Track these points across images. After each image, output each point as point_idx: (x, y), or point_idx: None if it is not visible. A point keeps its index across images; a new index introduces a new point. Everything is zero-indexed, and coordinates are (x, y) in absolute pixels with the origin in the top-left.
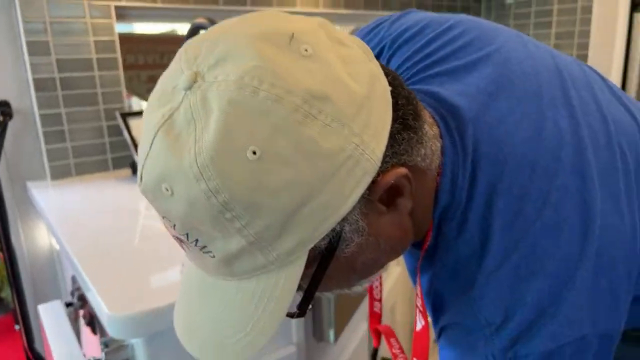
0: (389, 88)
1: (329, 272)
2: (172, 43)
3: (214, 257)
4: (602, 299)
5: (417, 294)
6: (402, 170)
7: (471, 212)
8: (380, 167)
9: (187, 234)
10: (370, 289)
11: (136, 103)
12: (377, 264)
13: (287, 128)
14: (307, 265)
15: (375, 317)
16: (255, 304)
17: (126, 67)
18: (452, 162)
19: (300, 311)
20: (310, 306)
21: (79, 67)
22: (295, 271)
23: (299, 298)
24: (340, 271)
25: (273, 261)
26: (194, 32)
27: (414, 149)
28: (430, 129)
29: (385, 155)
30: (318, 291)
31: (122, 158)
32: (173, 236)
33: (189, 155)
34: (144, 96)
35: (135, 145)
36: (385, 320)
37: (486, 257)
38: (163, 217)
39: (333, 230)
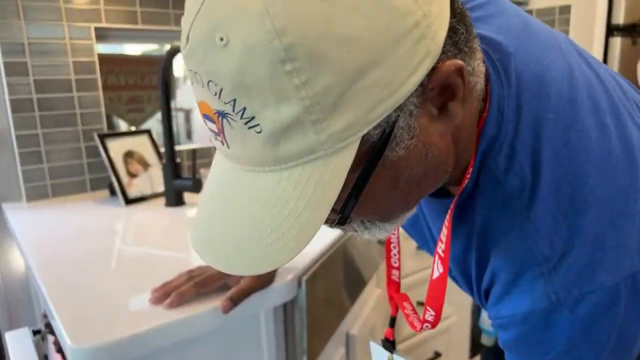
0: None
1: (373, 183)
2: (154, 64)
3: (260, 132)
4: None
5: (440, 239)
6: (460, 62)
7: (519, 143)
8: (440, 56)
9: (234, 101)
10: (388, 257)
11: (123, 125)
12: (418, 187)
13: None
14: (354, 167)
15: (393, 285)
16: (295, 201)
17: (107, 88)
18: (497, 91)
19: (341, 217)
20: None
21: (58, 88)
22: (344, 161)
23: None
24: (384, 182)
25: (324, 142)
26: (171, 55)
27: (469, 51)
28: (477, 46)
29: (445, 44)
30: (356, 212)
31: (100, 179)
32: (210, 120)
33: None
34: (125, 117)
35: (113, 167)
36: (366, 340)
37: (539, 188)
38: (208, 81)
39: (387, 120)
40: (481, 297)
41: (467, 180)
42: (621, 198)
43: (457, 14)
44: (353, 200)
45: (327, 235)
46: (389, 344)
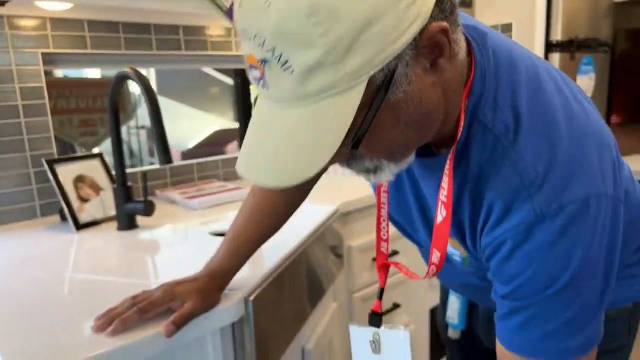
0: None
1: (378, 121)
2: (105, 87)
3: (293, 72)
4: (609, 166)
5: (442, 187)
6: (444, 24)
7: (500, 97)
8: (429, 20)
9: (274, 49)
10: (378, 230)
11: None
12: (415, 131)
13: None
14: (363, 105)
15: (381, 256)
16: (320, 126)
17: (57, 112)
18: (479, 60)
19: (355, 141)
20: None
21: (4, 114)
22: (356, 96)
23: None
24: (387, 121)
25: (340, 80)
26: (118, 81)
27: (454, 22)
28: (459, 21)
29: (433, 10)
30: (366, 148)
31: (52, 204)
32: (255, 68)
33: None
34: (77, 140)
35: (63, 193)
36: (323, 354)
37: (521, 128)
38: (255, 37)
39: (389, 66)
40: (475, 238)
41: (461, 130)
42: (583, 134)
43: None
44: (363, 131)
45: (275, 255)
46: (377, 318)
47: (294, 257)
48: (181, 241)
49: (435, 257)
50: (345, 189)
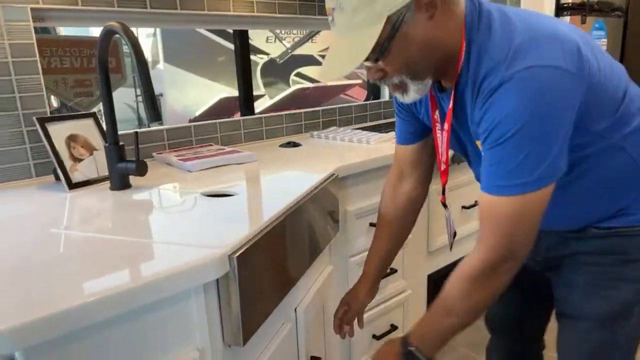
0: None
1: (396, 45)
2: None
3: (344, 9)
4: (559, 51)
5: (449, 109)
6: None
7: (493, 20)
8: None
9: (339, 1)
10: (438, 154)
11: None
12: (426, 54)
13: None
14: (385, 33)
15: (444, 173)
16: (359, 43)
17: (51, 71)
18: (470, 18)
19: (379, 54)
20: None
21: None
22: (379, 27)
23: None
24: (402, 44)
25: (370, 16)
26: (105, 37)
27: None
28: None
29: None
30: (389, 64)
31: (46, 164)
32: (329, 15)
33: None
34: (71, 100)
35: (55, 151)
36: (318, 315)
37: (494, 29)
38: None
39: (400, 12)
40: (475, 138)
41: (463, 52)
42: (534, 31)
43: None
44: (383, 49)
45: (264, 214)
46: (445, 206)
47: (283, 217)
48: (173, 201)
49: (443, 156)
50: (344, 154)
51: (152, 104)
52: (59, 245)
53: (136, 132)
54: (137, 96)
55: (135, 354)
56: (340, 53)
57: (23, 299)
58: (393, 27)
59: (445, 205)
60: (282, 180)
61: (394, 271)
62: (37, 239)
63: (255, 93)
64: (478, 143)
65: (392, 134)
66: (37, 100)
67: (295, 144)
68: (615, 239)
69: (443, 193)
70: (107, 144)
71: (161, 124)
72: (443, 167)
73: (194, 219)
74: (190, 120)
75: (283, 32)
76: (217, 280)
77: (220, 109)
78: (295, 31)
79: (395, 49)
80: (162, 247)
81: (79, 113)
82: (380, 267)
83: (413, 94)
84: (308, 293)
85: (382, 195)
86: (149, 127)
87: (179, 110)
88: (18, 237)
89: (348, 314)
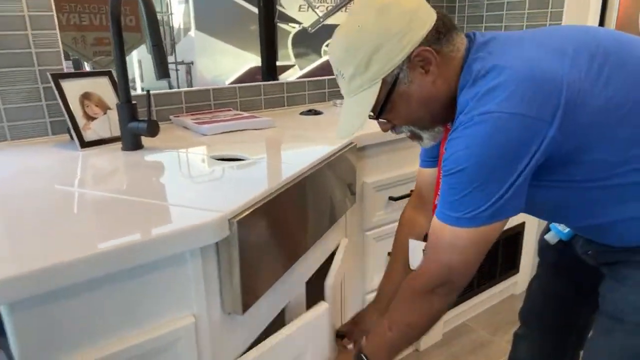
0: (434, 12)
1: (394, 101)
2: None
3: (344, 78)
4: (523, 95)
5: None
6: (427, 48)
7: (480, 59)
8: (419, 44)
9: (339, 70)
10: (438, 176)
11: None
12: (422, 107)
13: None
14: (381, 94)
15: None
16: (358, 106)
17: (70, 28)
18: (469, 57)
19: (378, 114)
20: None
21: (10, 24)
22: (375, 90)
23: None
24: (402, 101)
25: (365, 81)
26: None
27: (443, 42)
28: (459, 38)
29: (422, 38)
30: (392, 118)
31: (62, 122)
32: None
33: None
34: (90, 58)
35: (68, 110)
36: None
37: (476, 79)
38: (335, 68)
39: (394, 71)
40: None
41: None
42: (514, 69)
43: (441, 19)
44: (382, 108)
45: (271, 180)
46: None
47: (292, 184)
48: (182, 163)
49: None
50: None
51: (161, 59)
52: (58, 201)
53: (148, 92)
54: (169, 63)
55: (128, 316)
56: (348, 113)
57: (12, 251)
58: (389, 88)
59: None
60: (296, 147)
61: None
62: (39, 194)
63: (285, 63)
64: None
65: None
66: (54, 56)
67: (316, 112)
68: None
69: None
70: (118, 103)
71: (169, 81)
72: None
73: (200, 182)
74: None
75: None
76: (217, 245)
77: (250, 78)
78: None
79: (395, 105)
80: (161, 207)
81: (95, 71)
82: (393, 297)
83: (427, 141)
84: (315, 265)
85: (402, 220)
86: (170, 88)
87: (209, 79)
88: (21, 191)
89: (354, 333)
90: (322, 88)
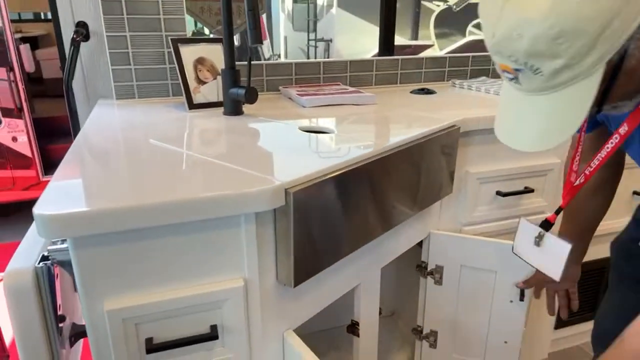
0: None
1: (617, 81)
2: None
3: (542, 75)
4: None
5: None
6: None
7: None
8: None
9: (526, 63)
10: (572, 163)
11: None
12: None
13: None
14: (602, 80)
15: (568, 184)
16: (567, 104)
17: None
18: None
19: (598, 109)
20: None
21: None
22: (597, 77)
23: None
24: (622, 80)
25: (582, 71)
26: None
27: None
28: None
29: None
30: (609, 101)
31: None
32: (508, 72)
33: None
34: (214, 27)
35: (182, 73)
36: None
37: None
38: (508, 57)
39: (622, 47)
40: None
41: None
42: None
43: None
44: (604, 98)
45: (343, 155)
46: (548, 225)
47: (364, 162)
48: (270, 132)
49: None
50: (479, 107)
51: (255, 24)
52: (144, 153)
53: (249, 59)
54: (309, 40)
55: (181, 269)
56: (547, 114)
57: (86, 190)
58: (614, 68)
59: (548, 226)
60: (390, 125)
61: (530, 190)
62: (132, 145)
63: (423, 42)
64: None
65: None
66: (179, 23)
67: (428, 91)
68: None
69: (556, 212)
70: (222, 69)
71: (261, 46)
72: (581, 180)
73: (278, 151)
74: None
75: None
76: (275, 214)
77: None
78: None
79: (615, 87)
80: (230, 170)
81: (211, 37)
82: (582, 250)
83: (624, 109)
84: (392, 254)
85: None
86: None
87: (348, 56)
88: (119, 141)
89: (555, 284)
90: (442, 66)
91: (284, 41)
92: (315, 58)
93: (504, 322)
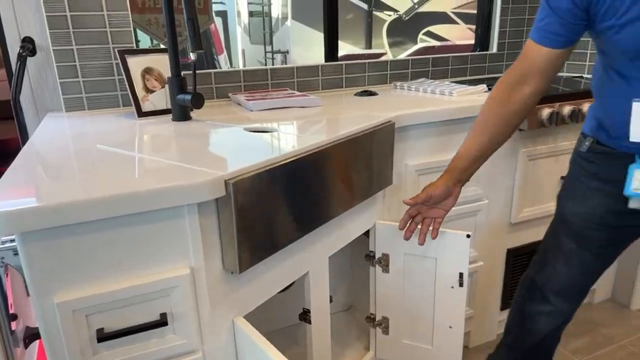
0: None
1: None
2: None
3: None
4: None
5: None
6: None
7: None
8: None
9: None
10: None
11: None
12: None
13: None
14: None
15: None
16: None
17: (144, 10)
18: None
19: None
20: None
21: (88, 6)
22: None
23: None
24: None
25: None
26: None
27: None
28: None
29: None
30: None
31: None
32: None
33: None
34: (162, 39)
35: (130, 83)
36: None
37: None
38: None
39: None
40: None
41: None
42: None
43: None
44: None
45: (283, 149)
46: None
47: (302, 155)
48: (216, 133)
49: None
50: (416, 105)
51: (194, 32)
52: (92, 157)
53: (194, 66)
54: (266, 53)
55: (128, 260)
56: None
57: (33, 189)
58: None
59: None
60: (331, 123)
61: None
62: (80, 150)
63: (377, 51)
64: None
65: (480, 87)
66: (126, 35)
67: (371, 93)
68: None
69: None
70: (169, 76)
71: (201, 53)
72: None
73: (221, 149)
74: None
75: None
76: (217, 204)
77: None
78: None
79: None
80: (174, 167)
81: (157, 48)
82: (467, 169)
83: None
84: (326, 249)
85: (493, 95)
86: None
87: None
88: (67, 147)
89: (426, 210)
90: (384, 70)
91: (242, 54)
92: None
93: (447, 307)
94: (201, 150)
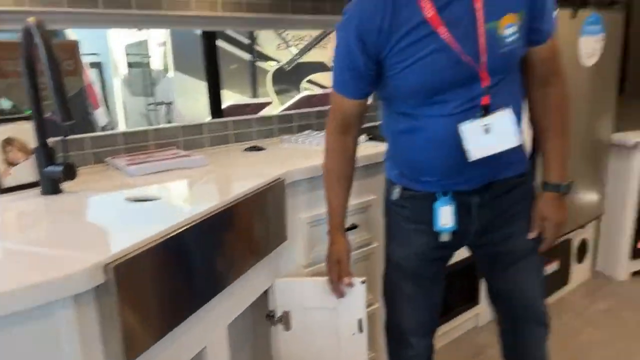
0: None
1: None
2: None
3: None
4: None
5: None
6: None
7: None
8: None
9: None
10: None
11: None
12: None
13: None
14: None
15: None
16: None
17: (5, 75)
18: None
19: None
20: None
21: None
22: None
23: None
24: None
25: None
26: (25, 33)
27: None
28: None
29: None
30: None
31: None
32: None
33: None
34: (23, 105)
35: None
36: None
37: None
38: None
39: None
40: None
41: None
42: None
43: None
44: None
45: (164, 222)
46: (485, 109)
47: (190, 225)
48: (92, 207)
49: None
50: (305, 159)
51: (63, 103)
52: None
53: (64, 136)
54: (147, 105)
55: None
56: None
57: None
58: None
59: (486, 110)
60: (218, 185)
61: (354, 226)
62: None
63: (263, 101)
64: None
65: (362, 137)
66: None
67: (258, 148)
68: None
69: (485, 94)
70: (34, 147)
71: (73, 124)
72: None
73: (98, 225)
74: None
75: (292, 38)
76: (96, 292)
77: (230, 116)
78: (305, 37)
79: None
80: (41, 256)
81: (19, 116)
82: (344, 219)
83: None
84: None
85: (330, 150)
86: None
87: (188, 118)
88: None
89: (342, 269)
90: (270, 124)
91: (122, 107)
92: (157, 121)
93: (350, 355)
94: (75, 229)
